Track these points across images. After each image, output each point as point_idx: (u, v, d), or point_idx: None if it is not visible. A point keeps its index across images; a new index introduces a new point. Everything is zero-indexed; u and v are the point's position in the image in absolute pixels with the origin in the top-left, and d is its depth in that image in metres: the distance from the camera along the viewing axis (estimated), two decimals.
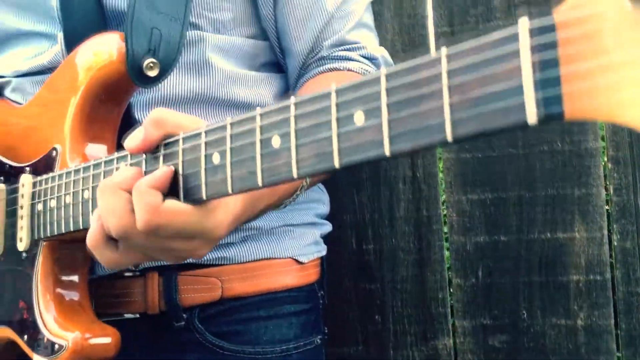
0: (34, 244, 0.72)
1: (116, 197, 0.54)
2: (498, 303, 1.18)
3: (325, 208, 0.99)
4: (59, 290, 0.72)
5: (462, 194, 1.20)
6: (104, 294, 0.77)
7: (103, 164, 0.61)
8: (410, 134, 0.37)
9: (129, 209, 0.53)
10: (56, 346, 0.68)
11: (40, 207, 0.70)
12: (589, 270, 1.13)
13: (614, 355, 1.12)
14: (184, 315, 0.78)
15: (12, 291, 0.75)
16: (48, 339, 0.69)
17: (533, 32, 0.33)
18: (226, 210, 0.55)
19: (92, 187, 0.61)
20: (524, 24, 0.33)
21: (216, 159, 0.47)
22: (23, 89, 0.84)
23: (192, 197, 0.50)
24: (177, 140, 0.52)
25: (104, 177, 0.60)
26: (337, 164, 0.40)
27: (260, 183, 0.42)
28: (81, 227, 0.63)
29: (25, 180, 0.74)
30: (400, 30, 1.24)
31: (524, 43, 0.33)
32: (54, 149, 0.72)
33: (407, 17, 1.24)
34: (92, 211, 0.62)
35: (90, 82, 0.70)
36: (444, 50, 0.36)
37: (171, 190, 0.52)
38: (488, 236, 1.18)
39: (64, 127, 0.72)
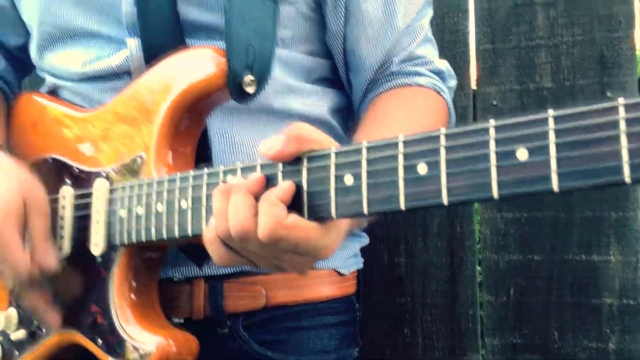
0: (111, 248, 0.71)
1: (244, 199, 0.55)
2: (528, 322, 1.19)
3: (365, 220, 0.99)
4: (135, 295, 0.71)
5: (497, 212, 1.21)
6: None
7: (205, 175, 0.60)
8: (580, 173, 0.38)
9: (253, 214, 0.54)
10: (140, 351, 0.67)
11: (123, 213, 0.69)
12: (623, 294, 1.14)
13: None
14: (227, 322, 0.78)
15: (82, 295, 0.74)
16: (130, 344, 0.68)
17: None
18: (339, 229, 0.55)
19: (192, 197, 0.61)
20: None
21: (349, 180, 0.47)
22: (86, 94, 0.83)
23: (317, 215, 0.51)
24: (301, 159, 0.53)
25: (206, 189, 0.59)
26: (495, 195, 0.40)
27: (402, 207, 0.43)
28: (176, 236, 0.63)
29: (102, 185, 0.72)
30: (441, 47, 1.24)
31: None
32: (139, 156, 0.71)
33: (449, 33, 1.25)
34: (190, 220, 0.62)
35: (184, 94, 0.69)
36: (621, 100, 0.37)
37: (292, 205, 0.52)
38: (521, 255, 1.19)
39: (150, 135, 0.70)
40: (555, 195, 0.39)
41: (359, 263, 0.94)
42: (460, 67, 1.23)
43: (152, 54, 0.75)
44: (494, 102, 1.20)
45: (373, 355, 1.24)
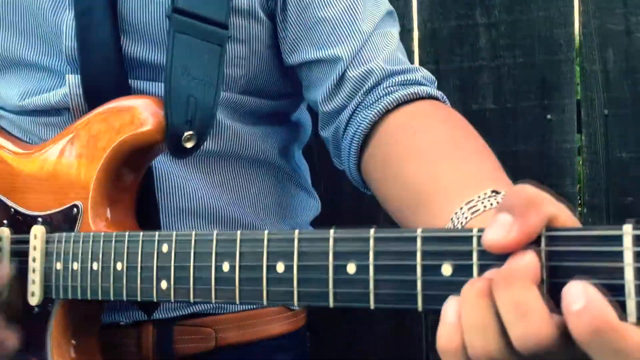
0: (48, 300, 0.70)
1: (530, 293, 0.37)
2: None
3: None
4: (75, 348, 0.70)
5: None
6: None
7: (141, 240, 0.60)
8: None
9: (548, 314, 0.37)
10: None
11: (59, 266, 0.68)
12: None
13: None
14: None
15: (22, 345, 0.72)
16: None
17: None
18: None
19: (126, 264, 0.61)
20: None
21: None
22: (23, 126, 0.80)
23: None
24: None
25: (141, 259, 0.59)
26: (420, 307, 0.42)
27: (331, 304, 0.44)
28: (112, 299, 0.63)
29: (38, 232, 0.71)
30: None
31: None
32: (75, 205, 0.70)
33: None
34: (125, 284, 0.61)
35: (120, 145, 0.68)
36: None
37: None
38: None
39: (87, 185, 0.69)
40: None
41: None
42: None
43: (93, 91, 0.73)
44: None
45: None
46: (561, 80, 1.17)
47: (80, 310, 0.71)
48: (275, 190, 0.86)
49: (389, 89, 0.71)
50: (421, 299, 0.42)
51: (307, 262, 0.47)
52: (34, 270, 0.70)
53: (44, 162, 0.75)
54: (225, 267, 0.53)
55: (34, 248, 0.71)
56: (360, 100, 0.73)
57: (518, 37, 1.18)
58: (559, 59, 1.17)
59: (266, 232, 0.50)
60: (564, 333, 0.35)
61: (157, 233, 0.59)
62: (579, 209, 1.18)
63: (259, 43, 0.79)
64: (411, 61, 1.23)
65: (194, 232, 0.56)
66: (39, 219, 0.72)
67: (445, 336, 0.40)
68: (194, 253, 0.55)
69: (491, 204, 0.50)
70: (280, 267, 0.48)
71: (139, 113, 0.68)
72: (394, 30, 0.79)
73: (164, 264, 0.58)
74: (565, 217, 0.39)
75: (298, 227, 0.88)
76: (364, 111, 0.72)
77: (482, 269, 0.40)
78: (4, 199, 0.77)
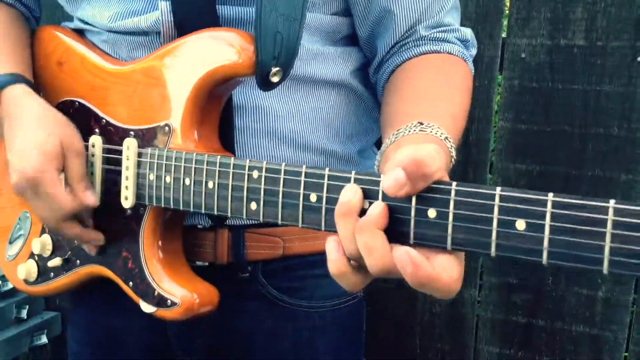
0: (140, 205, 0.77)
1: (375, 237, 0.54)
2: (526, 266, 1.26)
3: None
4: (163, 247, 0.77)
5: (510, 163, 1.25)
6: None
7: (232, 165, 0.65)
8: (567, 255, 0.45)
9: (389, 248, 0.53)
10: (168, 301, 0.75)
11: (152, 177, 0.74)
12: None
13: (626, 327, 1.23)
14: (248, 268, 0.84)
15: (112, 237, 0.81)
16: (159, 293, 0.76)
17: None
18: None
19: (218, 183, 0.66)
20: None
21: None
22: (117, 45, 0.84)
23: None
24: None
25: (232, 181, 0.64)
26: (493, 252, 0.46)
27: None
28: (203, 211, 0.69)
29: (131, 145, 0.76)
30: None
31: None
32: (167, 124, 0.75)
33: None
34: (216, 200, 0.67)
35: (211, 74, 0.71)
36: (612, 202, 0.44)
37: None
38: None
39: (178, 107, 0.73)
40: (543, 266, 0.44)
41: None
42: (493, 15, 1.21)
43: (182, 17, 0.76)
44: (523, 55, 1.20)
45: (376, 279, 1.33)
46: None
47: (168, 216, 0.78)
48: (346, 112, 0.88)
49: (419, 41, 0.85)
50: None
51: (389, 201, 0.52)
52: (127, 178, 0.77)
53: (135, 79, 0.79)
54: (313, 197, 0.58)
55: (127, 158, 0.77)
56: (398, 49, 0.87)
57: None
58: None
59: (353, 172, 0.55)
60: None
61: (247, 160, 0.64)
62: None
63: None
64: None
65: (283, 164, 0.60)
66: (131, 132, 0.78)
67: (334, 266, 0.58)
68: (284, 180, 0.60)
69: (414, 131, 0.67)
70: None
71: (232, 46, 0.71)
72: None
73: (254, 186, 0.63)
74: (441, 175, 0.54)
75: (363, 149, 0.91)
76: (399, 56, 0.86)
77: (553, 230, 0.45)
78: (97, 110, 0.83)
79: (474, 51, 0.91)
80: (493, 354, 1.32)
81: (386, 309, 1.35)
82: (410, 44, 0.86)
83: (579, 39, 1.16)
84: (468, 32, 0.89)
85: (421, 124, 0.67)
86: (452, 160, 0.68)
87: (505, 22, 1.22)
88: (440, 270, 0.52)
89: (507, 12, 1.21)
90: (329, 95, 0.86)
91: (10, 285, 1.55)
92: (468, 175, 1.28)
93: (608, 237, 0.43)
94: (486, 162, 1.27)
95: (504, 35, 1.23)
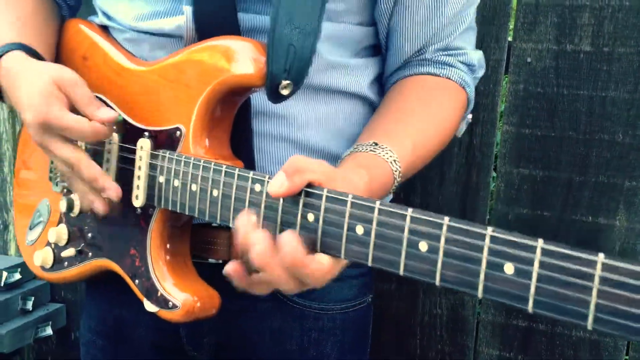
0: (150, 205, 0.78)
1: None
2: None
3: None
4: (170, 248, 0.79)
5: (513, 167, 1.25)
6: (192, 239, 0.83)
7: (236, 175, 0.66)
8: (552, 305, 0.46)
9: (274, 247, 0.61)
10: (170, 303, 0.77)
11: (161, 179, 0.75)
12: (621, 257, 1.20)
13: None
14: None
15: (122, 234, 0.82)
16: (162, 294, 0.77)
17: None
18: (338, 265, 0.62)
19: (222, 192, 0.67)
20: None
21: (360, 230, 0.53)
22: (139, 44, 0.85)
23: (328, 251, 0.56)
24: (321, 195, 0.59)
25: (235, 191, 0.65)
26: (480, 294, 0.48)
27: (401, 273, 0.49)
28: (206, 219, 0.70)
29: (145, 145, 0.77)
30: None
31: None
32: (178, 128, 0.75)
33: None
34: (220, 209, 0.68)
35: (221, 83, 0.72)
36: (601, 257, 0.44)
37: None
38: (531, 210, 1.24)
39: (191, 112, 0.74)
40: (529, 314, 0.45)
41: None
42: (499, 18, 1.21)
43: (204, 23, 0.77)
44: (528, 60, 1.19)
45: (381, 279, 1.34)
46: None
47: (176, 218, 0.79)
48: (361, 122, 0.89)
49: (422, 62, 0.88)
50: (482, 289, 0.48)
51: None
52: (138, 177, 0.78)
53: (153, 80, 0.80)
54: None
55: (140, 158, 0.78)
56: (402, 66, 0.90)
57: None
58: None
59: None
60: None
61: (251, 172, 0.65)
62: None
63: None
64: None
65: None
66: (145, 133, 0.79)
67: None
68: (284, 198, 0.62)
69: (366, 150, 0.76)
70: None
71: (243, 56, 0.71)
72: (472, 8, 0.88)
73: (255, 200, 0.64)
74: (322, 180, 0.62)
75: None
76: (402, 72, 0.89)
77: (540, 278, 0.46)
78: (116, 107, 0.84)
79: (481, 73, 0.91)
80: (493, 357, 1.32)
81: (387, 310, 1.35)
82: (414, 62, 0.88)
83: (585, 44, 1.16)
84: (475, 57, 0.89)
85: (376, 144, 0.75)
86: (396, 182, 0.76)
87: (511, 26, 1.21)
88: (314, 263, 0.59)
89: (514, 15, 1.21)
90: (346, 105, 0.87)
91: (16, 277, 1.57)
92: (471, 178, 1.28)
93: (594, 293, 0.43)
94: (490, 165, 1.27)
95: (510, 39, 1.22)
